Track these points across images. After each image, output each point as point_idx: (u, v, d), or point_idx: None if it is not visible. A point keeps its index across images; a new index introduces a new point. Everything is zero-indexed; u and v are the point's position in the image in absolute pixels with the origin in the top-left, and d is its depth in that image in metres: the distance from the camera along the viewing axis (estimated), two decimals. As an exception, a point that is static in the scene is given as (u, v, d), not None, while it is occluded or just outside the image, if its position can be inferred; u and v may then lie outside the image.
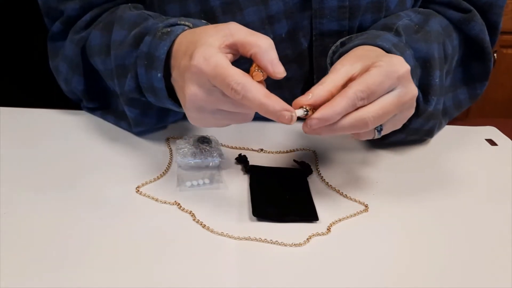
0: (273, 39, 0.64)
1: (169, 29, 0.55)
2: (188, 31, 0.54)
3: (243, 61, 0.66)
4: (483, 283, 0.47)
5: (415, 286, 0.46)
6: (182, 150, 0.61)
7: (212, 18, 0.62)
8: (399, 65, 0.50)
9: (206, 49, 0.48)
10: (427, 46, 0.61)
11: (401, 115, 0.53)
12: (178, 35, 0.54)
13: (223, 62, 0.48)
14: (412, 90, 0.51)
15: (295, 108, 0.48)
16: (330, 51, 0.62)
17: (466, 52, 0.70)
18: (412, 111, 0.54)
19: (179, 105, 0.56)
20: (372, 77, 0.48)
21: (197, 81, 0.49)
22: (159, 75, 0.54)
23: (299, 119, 0.48)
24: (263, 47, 0.48)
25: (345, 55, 0.54)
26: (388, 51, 0.55)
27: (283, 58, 0.66)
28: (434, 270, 0.48)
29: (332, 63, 0.61)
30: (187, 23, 0.56)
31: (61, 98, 0.75)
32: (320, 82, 0.50)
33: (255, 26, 0.63)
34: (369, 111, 0.49)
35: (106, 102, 0.71)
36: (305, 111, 0.48)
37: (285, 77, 0.67)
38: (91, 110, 0.72)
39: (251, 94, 0.46)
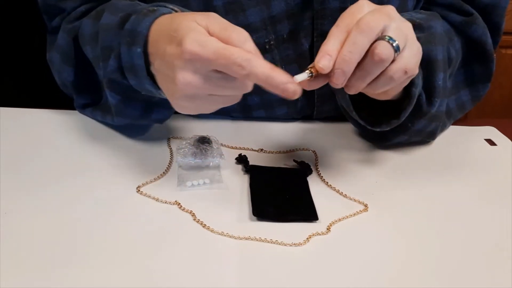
0: (275, 39, 0.65)
1: (155, 8, 0.55)
2: (168, 16, 0.53)
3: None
4: (484, 283, 0.47)
5: (415, 285, 0.47)
6: (183, 150, 0.61)
7: None
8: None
9: (197, 35, 0.47)
10: (429, 48, 0.61)
11: (402, 24, 0.52)
12: (162, 14, 0.53)
13: (221, 44, 0.47)
14: (385, 6, 0.52)
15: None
16: None
17: (468, 54, 0.70)
18: (410, 24, 0.53)
19: (157, 88, 0.55)
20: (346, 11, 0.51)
21: (192, 68, 0.48)
22: (138, 49, 0.53)
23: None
24: (237, 41, 0.48)
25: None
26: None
27: (284, 59, 0.67)
28: (433, 269, 0.49)
29: None
30: (175, 8, 0.55)
31: (61, 98, 0.75)
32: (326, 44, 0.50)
33: (257, 27, 0.63)
34: (363, 17, 0.49)
35: (96, 97, 0.69)
36: (309, 74, 0.50)
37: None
38: (82, 109, 0.71)
39: (258, 68, 0.46)
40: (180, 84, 0.48)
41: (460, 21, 0.68)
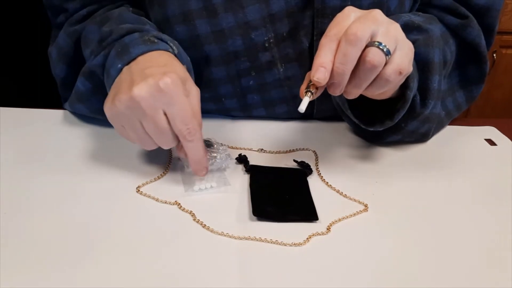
0: (274, 37, 0.65)
1: (156, 40, 0.58)
2: (161, 52, 0.57)
3: (244, 60, 0.66)
4: (484, 283, 0.47)
5: (415, 285, 0.47)
6: None
7: (213, 15, 0.63)
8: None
9: (187, 79, 0.54)
10: (427, 50, 0.61)
11: (390, 27, 0.52)
12: (159, 49, 0.57)
13: (198, 102, 0.55)
14: (371, 11, 0.52)
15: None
16: None
17: (463, 56, 0.70)
18: (398, 25, 0.53)
19: None
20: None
21: (154, 92, 0.51)
22: (119, 65, 0.57)
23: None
24: None
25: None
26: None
27: (283, 57, 0.67)
28: (434, 269, 0.49)
29: None
30: (174, 47, 0.59)
31: (61, 98, 0.75)
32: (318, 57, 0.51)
33: (257, 24, 0.64)
34: (349, 27, 0.50)
35: None
36: (310, 95, 0.52)
37: (285, 76, 0.68)
38: (64, 103, 0.73)
39: (200, 143, 0.54)
40: (135, 89, 0.51)
41: (456, 24, 0.69)
